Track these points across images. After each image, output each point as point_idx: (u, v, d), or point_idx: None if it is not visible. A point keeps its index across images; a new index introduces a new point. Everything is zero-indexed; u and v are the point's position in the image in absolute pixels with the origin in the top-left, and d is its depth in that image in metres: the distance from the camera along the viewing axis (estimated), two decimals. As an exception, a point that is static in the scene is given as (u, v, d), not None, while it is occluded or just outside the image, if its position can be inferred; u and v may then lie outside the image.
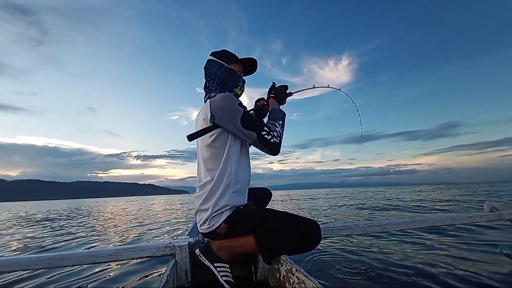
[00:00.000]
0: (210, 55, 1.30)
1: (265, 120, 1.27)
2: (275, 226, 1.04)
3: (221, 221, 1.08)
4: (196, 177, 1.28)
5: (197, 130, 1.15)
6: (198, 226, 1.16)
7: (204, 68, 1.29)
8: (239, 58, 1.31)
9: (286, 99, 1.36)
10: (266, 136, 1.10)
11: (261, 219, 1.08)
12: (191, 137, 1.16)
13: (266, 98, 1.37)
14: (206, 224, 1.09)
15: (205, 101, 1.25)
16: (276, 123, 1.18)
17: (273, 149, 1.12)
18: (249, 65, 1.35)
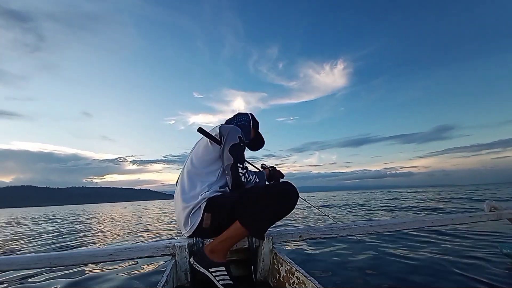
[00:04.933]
0: (249, 113, 1.61)
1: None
2: (252, 196, 1.12)
3: (201, 213, 1.14)
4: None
5: (211, 134, 1.30)
6: (183, 231, 1.20)
7: (237, 113, 1.58)
8: (258, 130, 1.62)
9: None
10: (240, 170, 1.23)
11: (237, 194, 1.16)
12: (200, 130, 1.32)
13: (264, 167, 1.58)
14: (189, 223, 1.16)
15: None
16: (256, 176, 1.30)
17: (236, 182, 1.22)
18: (258, 141, 1.65)
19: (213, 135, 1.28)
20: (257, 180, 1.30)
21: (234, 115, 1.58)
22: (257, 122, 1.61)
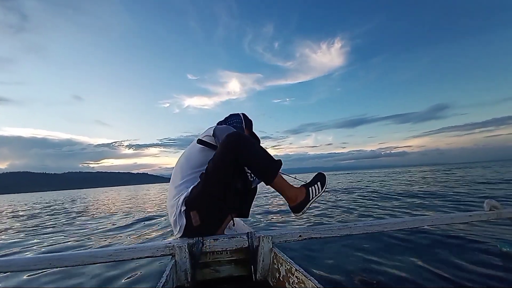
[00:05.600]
0: (241, 113, 1.60)
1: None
2: (219, 166, 1.16)
3: (185, 213, 1.17)
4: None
5: (208, 142, 1.33)
6: (175, 231, 1.24)
7: (229, 115, 1.57)
8: (252, 130, 1.62)
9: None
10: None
11: (203, 179, 1.18)
12: (200, 142, 1.34)
13: None
14: (178, 224, 1.19)
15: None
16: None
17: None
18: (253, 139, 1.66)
19: (208, 139, 1.31)
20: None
21: (225, 117, 1.58)
22: (250, 122, 1.60)
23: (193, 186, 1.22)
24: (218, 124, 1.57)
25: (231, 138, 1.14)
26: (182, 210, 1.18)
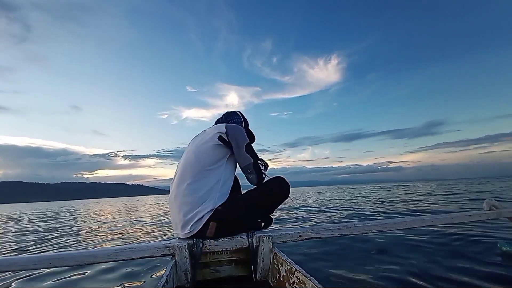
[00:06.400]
0: (238, 111, 1.63)
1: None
2: (255, 207, 1.29)
3: (205, 221, 1.16)
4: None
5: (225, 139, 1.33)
6: (179, 231, 1.20)
7: (228, 113, 1.59)
8: (249, 127, 1.65)
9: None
10: (260, 166, 1.32)
11: (242, 206, 1.27)
12: (221, 138, 1.34)
13: None
14: (188, 227, 1.16)
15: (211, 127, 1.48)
16: (264, 167, 1.40)
17: (259, 178, 1.30)
18: (249, 137, 1.58)
19: (214, 137, 1.30)
20: (264, 171, 1.38)
21: (223, 115, 1.59)
22: (247, 121, 1.64)
23: (221, 194, 1.25)
24: (216, 121, 1.57)
25: (288, 189, 1.33)
26: (205, 218, 1.16)
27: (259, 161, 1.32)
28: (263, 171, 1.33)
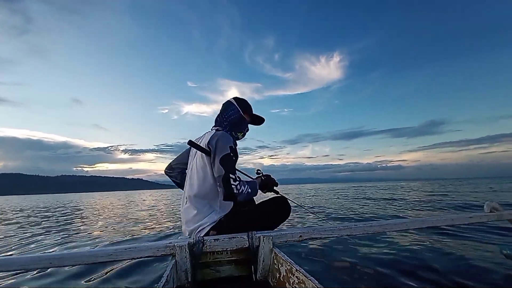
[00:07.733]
0: (233, 98, 1.54)
1: None
2: (253, 222, 1.31)
3: (207, 230, 1.26)
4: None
5: (199, 144, 1.34)
6: (185, 228, 1.34)
7: (223, 106, 1.52)
8: (253, 112, 1.57)
9: (266, 190, 1.59)
10: (232, 181, 1.23)
11: (243, 219, 1.31)
12: (191, 143, 1.34)
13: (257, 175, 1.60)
14: (193, 234, 1.26)
15: (211, 130, 1.51)
16: (248, 187, 1.31)
17: (228, 194, 1.24)
18: (257, 120, 1.63)
19: (203, 145, 1.32)
20: (249, 190, 1.31)
21: (221, 110, 1.53)
22: (247, 105, 1.54)
23: (227, 212, 1.31)
24: (216, 119, 1.55)
25: (289, 212, 1.41)
26: (206, 228, 1.26)
27: (231, 175, 1.22)
28: (233, 186, 1.22)
